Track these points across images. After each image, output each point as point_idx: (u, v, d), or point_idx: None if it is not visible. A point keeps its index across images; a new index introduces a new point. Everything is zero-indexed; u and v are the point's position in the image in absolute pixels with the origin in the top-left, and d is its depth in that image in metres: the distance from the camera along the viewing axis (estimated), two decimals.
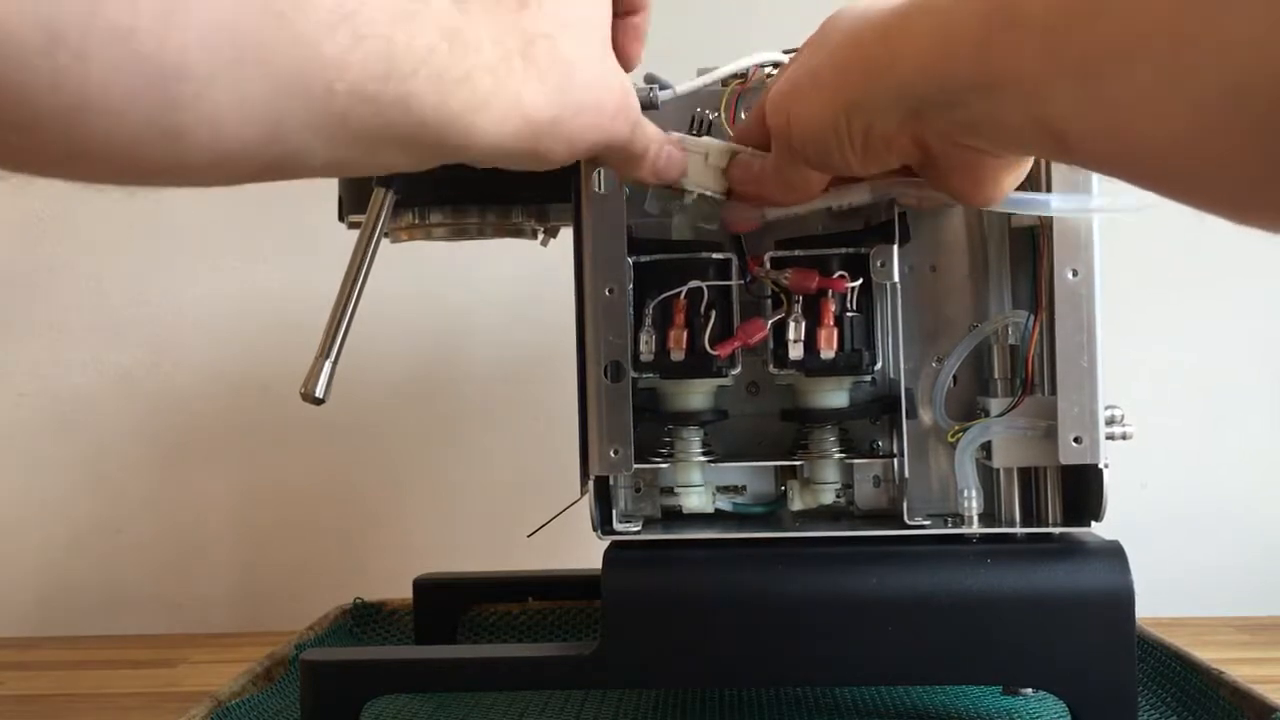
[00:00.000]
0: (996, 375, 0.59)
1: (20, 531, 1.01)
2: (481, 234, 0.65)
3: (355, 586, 0.86)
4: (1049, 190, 0.54)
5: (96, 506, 1.01)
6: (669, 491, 0.62)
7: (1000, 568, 0.55)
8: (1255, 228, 0.33)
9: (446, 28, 0.38)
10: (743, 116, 0.58)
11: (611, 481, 0.59)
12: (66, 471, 1.01)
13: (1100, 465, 0.54)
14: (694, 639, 0.55)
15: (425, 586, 0.79)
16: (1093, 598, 0.54)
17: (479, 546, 0.97)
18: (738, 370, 0.58)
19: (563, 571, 0.82)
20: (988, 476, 0.59)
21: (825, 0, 0.47)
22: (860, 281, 0.57)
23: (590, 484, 0.57)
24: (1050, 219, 0.54)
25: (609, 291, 0.56)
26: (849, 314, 0.57)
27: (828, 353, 0.56)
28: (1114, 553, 0.55)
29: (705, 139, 0.55)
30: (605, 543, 0.58)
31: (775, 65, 0.58)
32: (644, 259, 0.58)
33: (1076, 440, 0.54)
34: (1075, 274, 0.54)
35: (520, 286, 0.99)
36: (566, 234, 0.62)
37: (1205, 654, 0.66)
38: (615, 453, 0.56)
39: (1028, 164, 0.50)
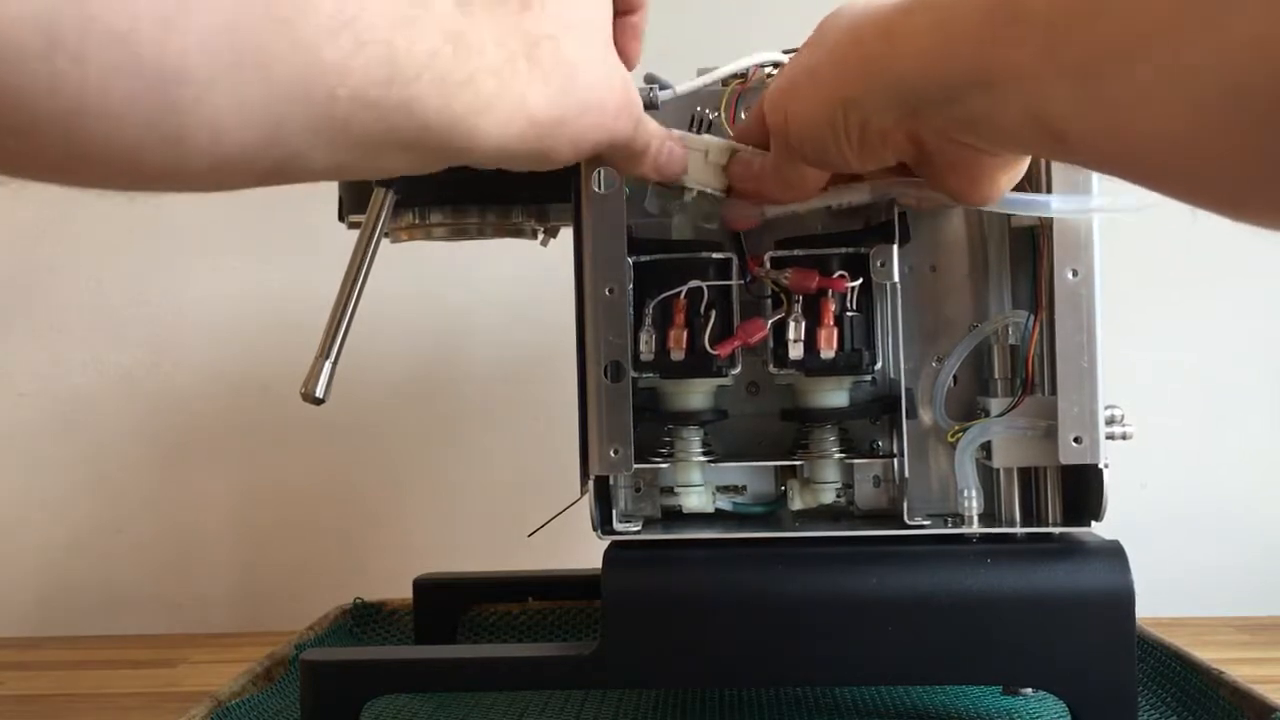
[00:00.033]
0: (996, 375, 0.59)
1: (20, 531, 1.01)
2: (481, 234, 0.65)
3: (355, 586, 0.86)
4: (1049, 191, 0.54)
5: (96, 506, 1.01)
6: (669, 491, 0.62)
7: (1000, 568, 0.55)
8: (1253, 225, 0.33)
9: (449, 31, 0.38)
10: (743, 116, 0.58)
11: (611, 481, 0.59)
12: (66, 471, 1.01)
13: (1100, 465, 0.54)
14: (694, 639, 0.55)
15: (425, 586, 0.79)
16: (1093, 598, 0.54)
17: (479, 546, 0.97)
18: (738, 370, 0.58)
19: (563, 571, 0.82)
20: (988, 476, 0.59)
21: (825, 0, 0.48)
22: (860, 281, 0.57)
23: (590, 484, 0.57)
24: (1050, 219, 0.54)
25: (609, 291, 0.56)
26: (849, 314, 0.57)
27: (828, 352, 0.56)
28: (1114, 553, 0.55)
29: (705, 136, 0.55)
30: (605, 543, 0.58)
31: (775, 65, 0.58)
32: (644, 259, 0.58)
33: (1076, 440, 0.54)
34: (1075, 274, 0.54)
35: (520, 286, 0.99)
36: (566, 234, 0.62)
37: (1205, 654, 0.66)
38: (615, 452, 0.56)
39: (1024, 164, 0.50)
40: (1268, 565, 0.96)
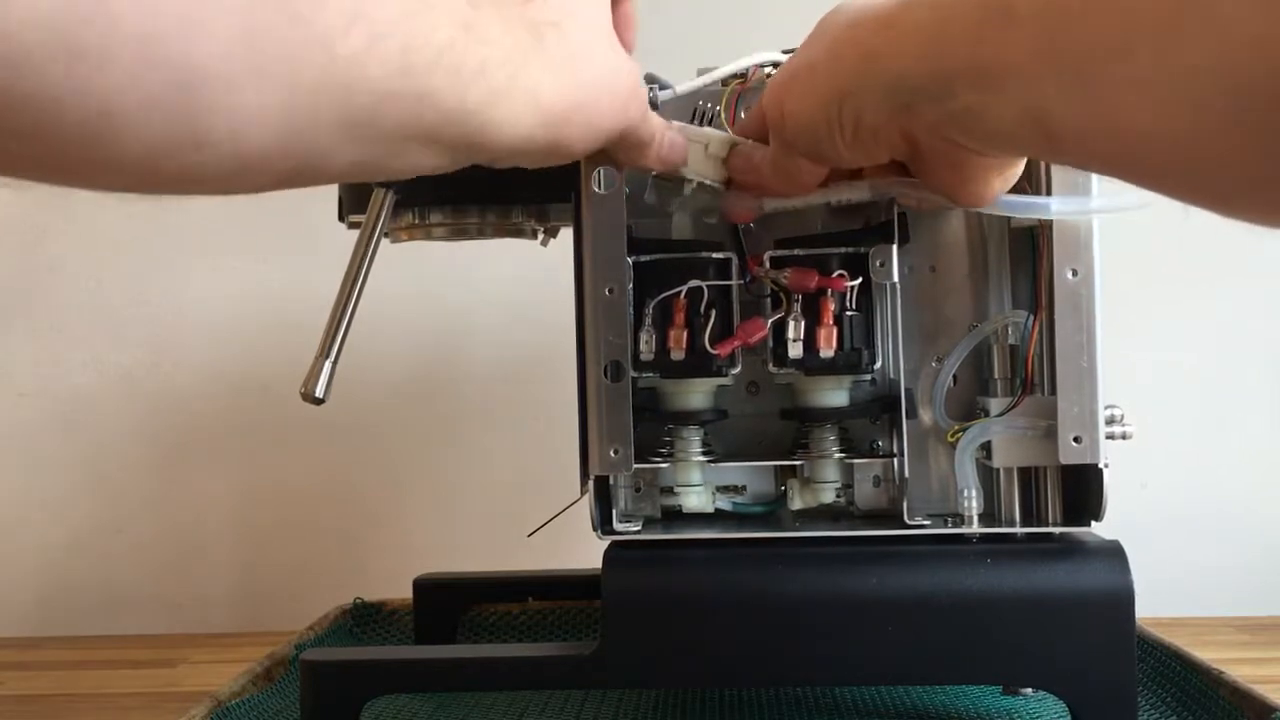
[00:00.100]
0: (996, 375, 0.59)
1: (20, 531, 1.01)
2: (481, 234, 0.65)
3: (355, 586, 0.86)
4: (1049, 192, 0.54)
5: (96, 506, 1.01)
6: (669, 491, 0.62)
7: (1000, 568, 0.55)
8: (1244, 221, 0.33)
9: (459, 22, 0.38)
10: (742, 116, 0.58)
11: (611, 481, 0.59)
12: (66, 471, 1.01)
13: (1100, 465, 0.54)
14: (694, 639, 0.55)
15: (425, 586, 0.79)
16: (1093, 598, 0.54)
17: (479, 546, 0.97)
18: (737, 370, 0.58)
19: (563, 571, 0.82)
20: (988, 476, 0.59)
21: (825, 0, 0.48)
22: (860, 281, 0.57)
23: (590, 484, 0.57)
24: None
25: (609, 291, 0.56)
26: (848, 313, 0.57)
27: (827, 352, 0.56)
28: (1114, 553, 0.55)
29: (706, 129, 0.55)
30: (605, 543, 0.58)
31: (775, 65, 0.58)
32: (644, 259, 0.58)
33: (1076, 440, 0.54)
34: (1075, 274, 0.54)
35: (520, 286, 0.99)
36: (566, 234, 0.62)
37: (1205, 654, 0.66)
38: (615, 452, 0.56)
39: (1018, 168, 0.50)
40: (1268, 565, 0.96)
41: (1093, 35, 0.33)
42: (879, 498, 0.61)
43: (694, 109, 0.59)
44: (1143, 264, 0.92)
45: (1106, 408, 0.54)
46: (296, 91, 0.32)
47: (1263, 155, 0.30)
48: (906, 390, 0.59)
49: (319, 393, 0.55)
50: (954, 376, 0.60)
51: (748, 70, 0.58)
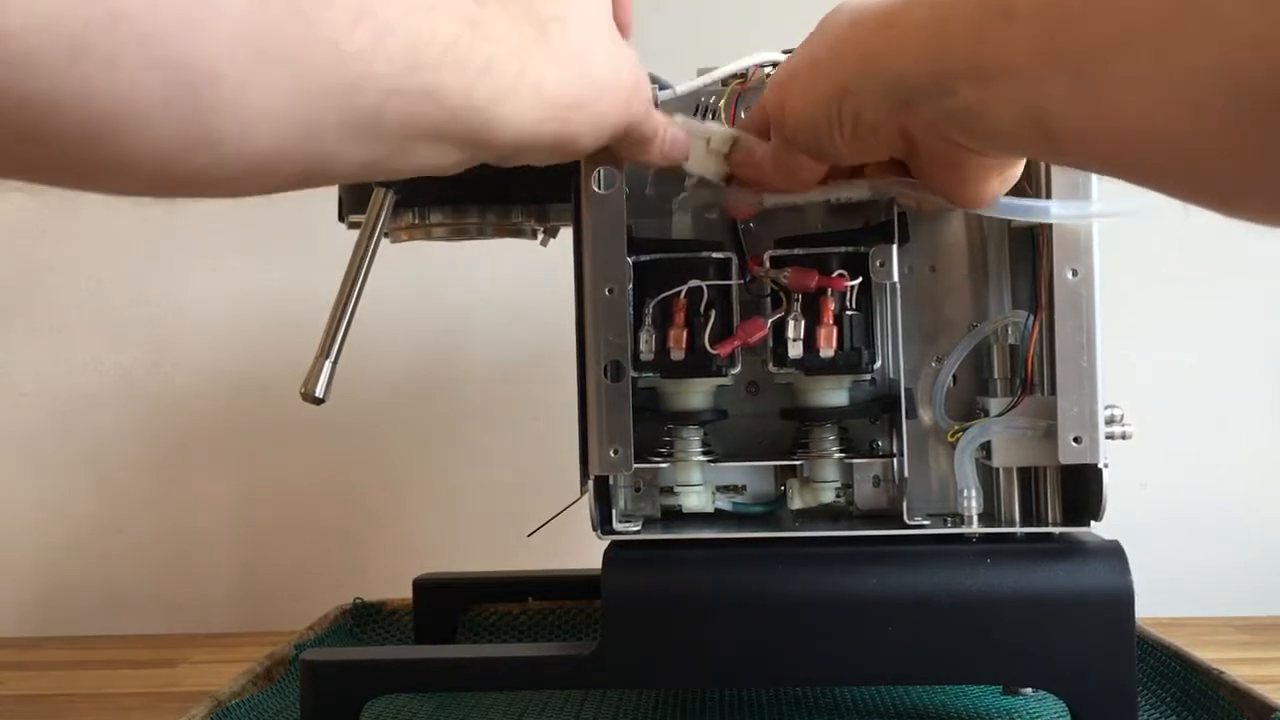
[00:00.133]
0: (996, 375, 0.59)
1: (20, 531, 1.01)
2: (481, 234, 0.65)
3: (355, 586, 0.86)
4: (1048, 194, 0.54)
5: (96, 506, 1.01)
6: (669, 491, 0.62)
7: (1000, 568, 0.55)
8: (1245, 220, 0.33)
9: (464, 17, 0.38)
10: (743, 116, 0.58)
11: (611, 481, 0.59)
12: (66, 471, 1.01)
13: (1100, 465, 0.54)
14: (694, 639, 0.55)
15: (425, 586, 0.79)
16: (1093, 598, 0.54)
17: (479, 546, 0.97)
18: (737, 369, 0.58)
19: (563, 571, 0.82)
20: (988, 476, 0.59)
21: (825, 0, 0.48)
22: (860, 280, 0.57)
23: (590, 484, 0.57)
24: None
25: (609, 291, 0.56)
26: (848, 313, 0.57)
27: (827, 351, 0.56)
28: (1114, 553, 0.55)
29: (709, 124, 0.55)
30: (605, 543, 0.58)
31: (775, 65, 0.58)
32: (644, 259, 0.58)
33: (1076, 440, 0.54)
34: (1075, 274, 0.54)
35: (520, 286, 0.99)
36: (566, 234, 0.62)
37: (1205, 654, 0.66)
38: (615, 452, 0.56)
39: (1016, 169, 0.50)
40: (1268, 565, 0.96)
41: (1093, 35, 0.33)
42: (879, 498, 0.61)
43: (696, 104, 0.59)
44: (1143, 264, 0.92)
45: (1106, 408, 0.54)
46: (303, 90, 0.32)
47: (1263, 155, 0.30)
48: (906, 390, 0.59)
49: (319, 393, 0.55)
50: (954, 376, 0.60)
51: (748, 70, 0.58)
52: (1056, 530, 0.57)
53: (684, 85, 0.57)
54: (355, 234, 0.60)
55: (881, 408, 0.60)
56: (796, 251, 0.57)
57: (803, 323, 0.56)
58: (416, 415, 1.01)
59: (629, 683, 0.61)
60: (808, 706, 0.64)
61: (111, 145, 0.29)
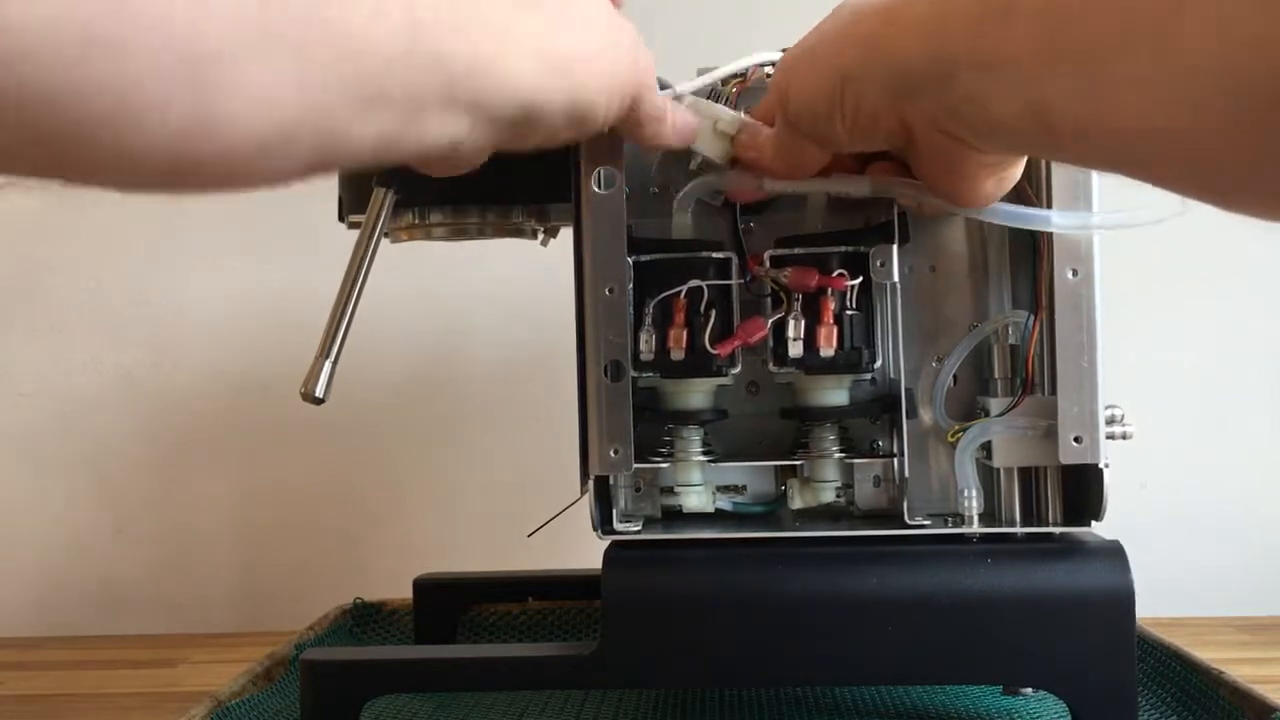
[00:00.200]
0: (996, 375, 0.59)
1: (20, 531, 1.01)
2: (481, 234, 0.65)
3: (355, 586, 0.86)
4: (1049, 197, 0.54)
5: (96, 506, 1.01)
6: (669, 491, 0.62)
7: (1000, 568, 0.55)
8: (1243, 215, 0.33)
9: None
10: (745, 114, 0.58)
11: (611, 481, 0.59)
12: (66, 471, 1.01)
13: (1100, 465, 0.54)
14: (694, 639, 0.55)
15: (425, 586, 0.79)
16: (1093, 598, 0.54)
17: (479, 546, 0.97)
18: (738, 369, 0.58)
19: (563, 571, 0.82)
20: (988, 476, 0.59)
21: (825, 0, 0.48)
22: (860, 280, 0.57)
23: (590, 484, 0.57)
24: None
25: (609, 291, 0.56)
26: (848, 312, 0.57)
27: (827, 351, 0.56)
28: (1114, 553, 0.55)
29: (717, 106, 0.55)
30: (605, 543, 0.58)
31: (775, 65, 0.58)
32: (644, 259, 0.58)
33: (1076, 440, 0.54)
34: (1075, 274, 0.54)
35: (520, 286, 0.99)
36: (566, 234, 0.62)
37: (1205, 654, 0.66)
38: (615, 452, 0.56)
39: (1013, 171, 0.50)
40: (1268, 565, 0.96)
41: (1093, 34, 0.33)
42: (879, 497, 0.61)
43: (710, 88, 0.59)
44: (1143, 264, 0.92)
45: (1107, 408, 0.54)
46: (307, 63, 0.32)
47: (1263, 154, 0.30)
48: (907, 390, 0.59)
49: (319, 393, 0.55)
50: (954, 376, 0.60)
51: (747, 70, 0.58)
52: (1057, 530, 0.57)
53: (684, 85, 0.57)
54: (355, 234, 0.60)
55: (882, 408, 0.60)
56: (797, 251, 0.57)
57: (803, 322, 0.56)
58: (416, 415, 1.01)
59: (629, 683, 0.61)
60: (808, 706, 0.64)
61: (125, 135, 0.29)
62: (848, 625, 0.55)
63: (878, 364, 0.58)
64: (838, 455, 0.60)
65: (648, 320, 0.57)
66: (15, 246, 1.02)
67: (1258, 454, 0.97)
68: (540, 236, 0.68)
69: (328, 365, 0.56)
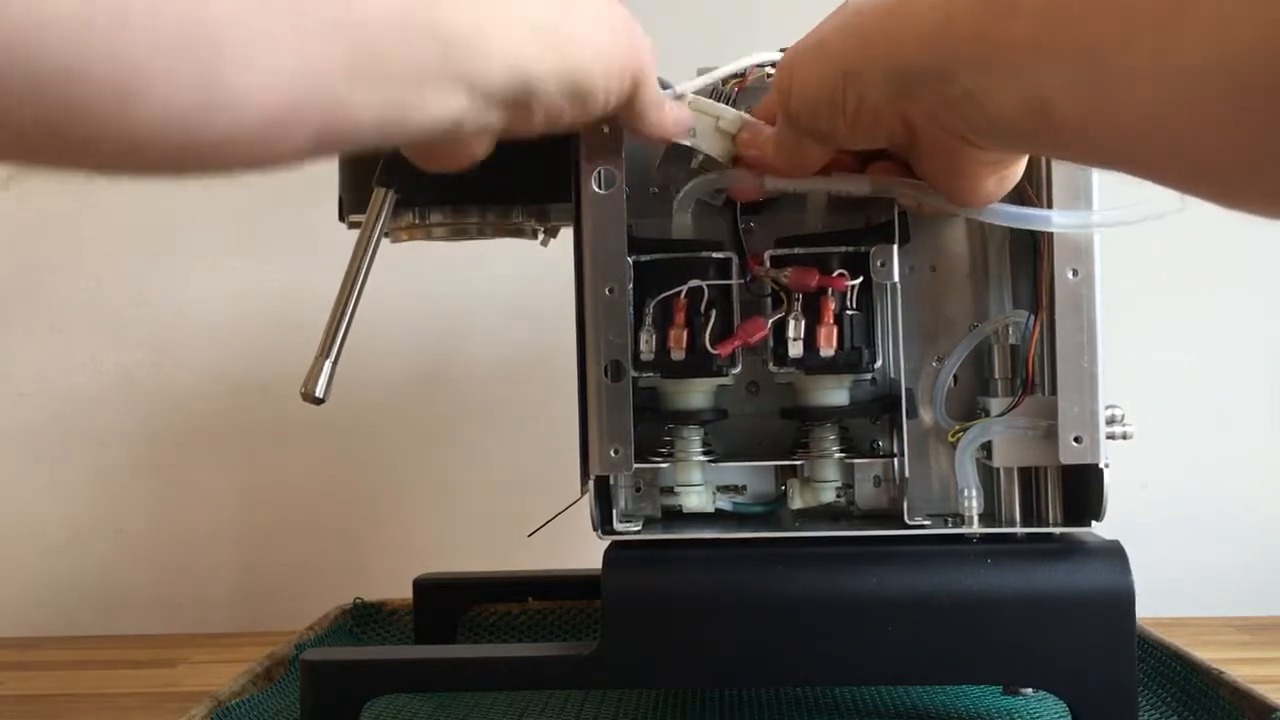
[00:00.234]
0: (997, 375, 0.59)
1: (20, 531, 1.01)
2: (481, 234, 0.65)
3: (355, 586, 0.86)
4: (1050, 194, 0.54)
5: (96, 506, 1.01)
6: (669, 491, 0.62)
7: (1000, 568, 0.55)
8: (1243, 212, 0.33)
9: None
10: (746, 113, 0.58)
11: (611, 481, 0.59)
12: (66, 471, 1.01)
13: (1100, 465, 0.54)
14: (694, 639, 0.55)
15: (425, 586, 0.79)
16: (1093, 598, 0.54)
17: (479, 546, 0.97)
18: (738, 369, 0.58)
19: (563, 571, 0.82)
20: (988, 476, 0.59)
21: (825, 1, 0.48)
22: (860, 280, 0.57)
23: (590, 483, 0.57)
24: None
25: (609, 291, 0.56)
26: (849, 312, 0.57)
27: (827, 350, 0.56)
28: (1114, 553, 0.55)
29: (719, 104, 0.55)
30: (605, 543, 0.58)
31: (774, 65, 0.58)
32: (644, 259, 0.58)
33: (1077, 440, 0.54)
34: (1076, 274, 0.54)
35: (520, 286, 0.99)
36: (566, 234, 0.62)
37: (1205, 654, 0.66)
38: (615, 452, 0.56)
39: (1013, 170, 0.50)
40: (1268, 565, 0.96)
41: (1093, 31, 0.33)
42: (879, 498, 0.61)
43: (713, 88, 0.59)
44: (1143, 264, 0.92)
45: (1107, 408, 0.54)
46: (306, 33, 0.33)
47: (1263, 151, 0.30)
48: (907, 390, 0.59)
49: (319, 393, 0.55)
50: (954, 376, 0.60)
51: (747, 70, 0.58)
52: (1057, 530, 0.57)
53: (684, 85, 0.57)
54: (355, 234, 0.60)
55: (882, 408, 0.60)
56: (797, 251, 0.57)
57: (803, 322, 0.56)
58: (416, 415, 1.01)
59: (629, 683, 0.61)
60: (808, 706, 0.64)
61: (130, 111, 0.29)
62: (848, 625, 0.55)
63: (878, 364, 0.58)
64: (838, 455, 0.60)
65: (648, 320, 0.57)
66: (15, 246, 1.02)
67: (1258, 454, 0.97)
68: (540, 236, 0.68)
69: (328, 365, 0.56)
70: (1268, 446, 0.97)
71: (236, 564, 1.01)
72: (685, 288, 0.57)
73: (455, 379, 1.01)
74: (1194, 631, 0.83)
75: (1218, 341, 0.97)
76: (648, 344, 0.57)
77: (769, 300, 0.58)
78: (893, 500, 0.61)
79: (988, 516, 0.58)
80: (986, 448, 0.58)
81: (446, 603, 0.79)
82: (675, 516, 0.62)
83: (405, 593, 0.80)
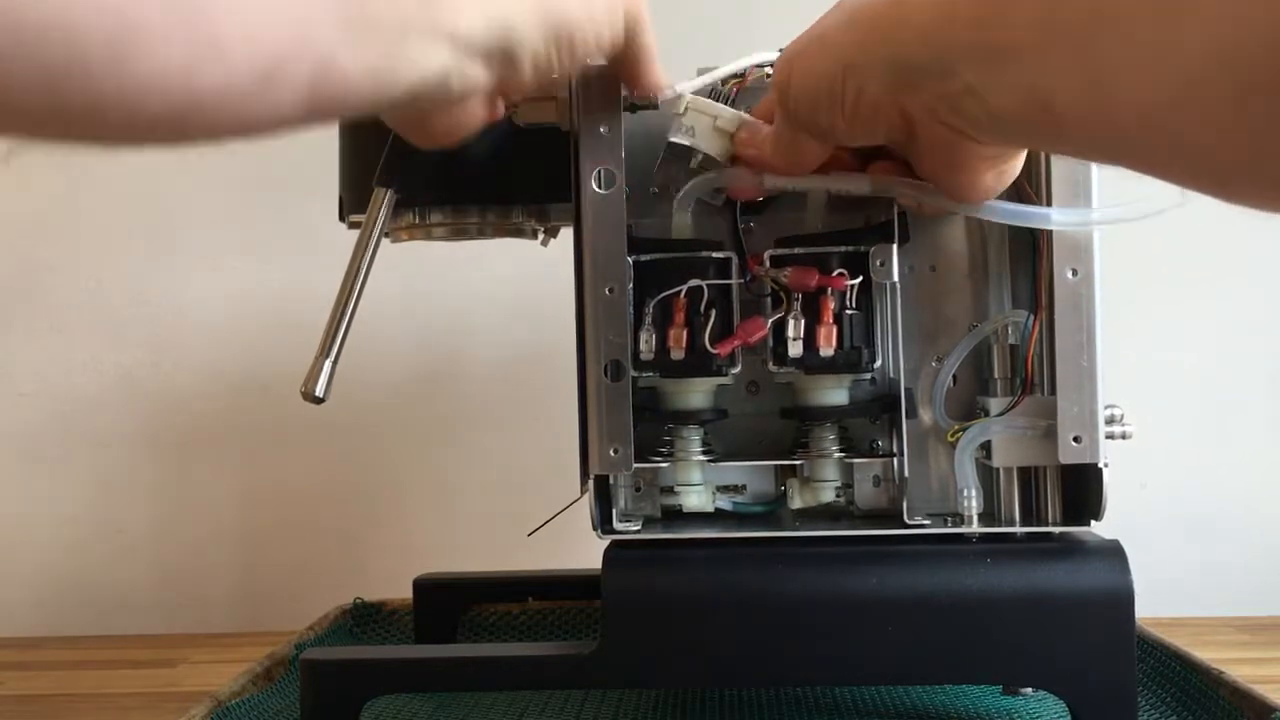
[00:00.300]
0: (996, 375, 0.59)
1: (20, 531, 1.01)
2: (481, 234, 0.65)
3: (355, 586, 0.86)
4: (1049, 192, 0.54)
5: (96, 506, 1.01)
6: (669, 491, 0.62)
7: (1000, 567, 0.55)
8: (1242, 205, 0.33)
9: None
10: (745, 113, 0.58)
11: (611, 481, 0.59)
12: (66, 471, 1.01)
13: (1100, 465, 0.54)
14: (694, 639, 0.55)
15: (425, 586, 0.79)
16: (1093, 597, 0.54)
17: (479, 546, 0.97)
18: (737, 369, 0.58)
19: (563, 571, 0.82)
20: (988, 476, 0.59)
21: (825, 1, 0.48)
22: (860, 280, 0.57)
23: (590, 483, 0.57)
24: None
25: (609, 291, 0.56)
26: (848, 312, 0.57)
27: (827, 350, 0.56)
28: (1114, 552, 0.55)
29: (717, 104, 0.55)
30: (605, 542, 0.58)
31: (774, 65, 0.58)
32: (644, 258, 0.58)
33: (1076, 440, 0.54)
34: (1075, 273, 0.54)
35: (520, 286, 0.99)
36: (566, 233, 0.62)
37: (1205, 654, 0.66)
38: (615, 452, 0.56)
39: (1012, 166, 0.50)
40: (1268, 565, 0.96)
41: (1093, 21, 0.33)
42: (879, 497, 0.61)
43: (711, 88, 0.59)
44: (1143, 264, 0.92)
45: (1106, 407, 0.54)
46: None
47: (1263, 139, 0.30)
48: (906, 390, 0.59)
49: (319, 392, 0.55)
50: (954, 376, 0.60)
51: (746, 70, 0.58)
52: (1056, 530, 0.57)
53: (684, 85, 0.57)
54: (355, 234, 0.60)
55: (881, 407, 0.60)
56: (797, 251, 0.57)
57: (803, 322, 0.56)
58: (416, 415, 1.01)
59: (629, 683, 0.61)
60: (808, 706, 0.64)
61: (126, 70, 0.30)
62: (848, 625, 0.55)
63: (877, 364, 0.58)
64: (837, 455, 0.60)
65: (648, 320, 0.57)
66: (15, 246, 1.02)
67: (1258, 454, 0.97)
68: (540, 236, 0.68)
69: (328, 365, 0.56)
70: (1268, 446, 0.97)
71: (236, 564, 1.01)
72: (685, 287, 0.57)
73: (455, 379, 1.01)
74: (1194, 631, 0.83)
75: (1218, 341, 0.97)
76: (647, 344, 0.57)
77: (769, 300, 0.58)
78: (892, 500, 0.61)
79: (987, 516, 0.58)
80: (986, 447, 0.58)
81: (446, 603, 0.79)
82: (675, 516, 0.62)
83: (405, 593, 0.80)
